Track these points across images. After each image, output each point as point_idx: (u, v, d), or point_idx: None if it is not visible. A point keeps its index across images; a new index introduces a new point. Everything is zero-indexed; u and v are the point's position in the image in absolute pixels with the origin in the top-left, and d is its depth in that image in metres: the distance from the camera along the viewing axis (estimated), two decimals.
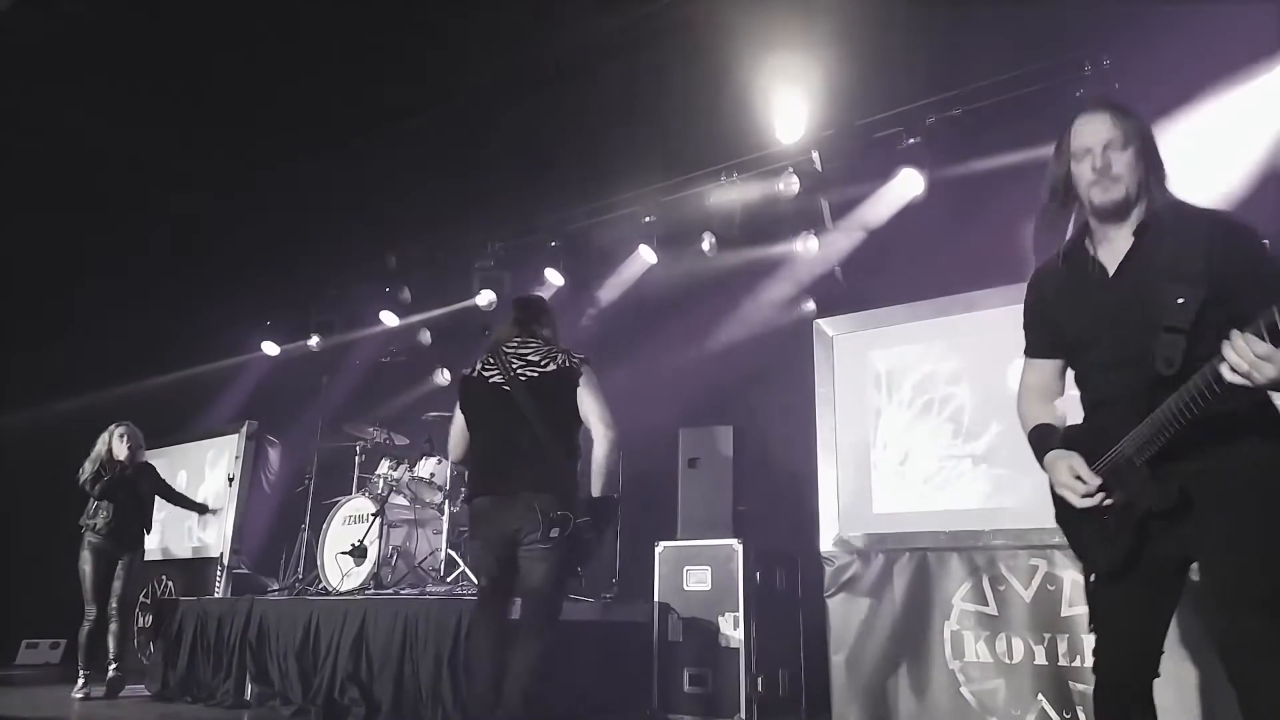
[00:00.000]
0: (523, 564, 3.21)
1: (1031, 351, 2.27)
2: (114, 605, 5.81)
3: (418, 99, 6.03)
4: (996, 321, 4.26)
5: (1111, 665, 2.03)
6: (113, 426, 6.12)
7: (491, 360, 3.36)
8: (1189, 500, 1.86)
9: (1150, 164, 2.02)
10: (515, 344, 3.43)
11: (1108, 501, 1.95)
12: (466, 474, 3.38)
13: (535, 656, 3.13)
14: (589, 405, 3.32)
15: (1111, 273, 2.03)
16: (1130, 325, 1.92)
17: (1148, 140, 2.03)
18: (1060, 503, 2.09)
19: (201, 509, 6.83)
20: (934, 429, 4.42)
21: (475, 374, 3.41)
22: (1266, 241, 2.02)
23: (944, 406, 4.42)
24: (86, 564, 5.78)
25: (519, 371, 3.32)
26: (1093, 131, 2.01)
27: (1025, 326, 2.28)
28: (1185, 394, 1.76)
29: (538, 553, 3.16)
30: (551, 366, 3.32)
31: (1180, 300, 1.85)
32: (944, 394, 4.44)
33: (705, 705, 4.59)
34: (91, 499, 5.88)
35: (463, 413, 3.42)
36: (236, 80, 6.04)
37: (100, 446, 6.05)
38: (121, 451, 5.97)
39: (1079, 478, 1.97)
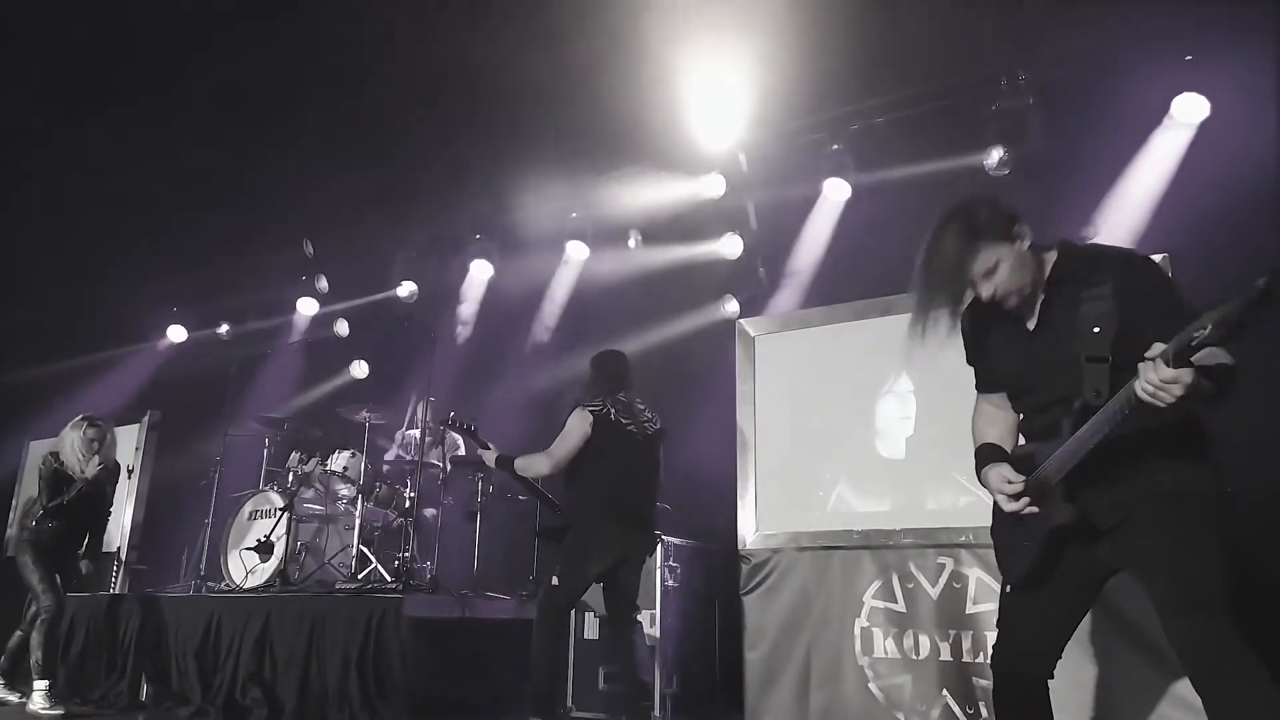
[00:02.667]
0: (624, 579, 3.95)
1: (979, 387, 2.39)
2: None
3: (338, 84, 5.85)
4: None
5: (1009, 661, 2.17)
6: (85, 427, 5.14)
7: (620, 410, 3.98)
8: (1097, 525, 2.02)
9: (1026, 258, 2.10)
10: (628, 398, 4.05)
11: (1031, 509, 2.08)
12: (578, 496, 3.97)
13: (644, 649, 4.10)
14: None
15: (1032, 327, 2.16)
16: (1059, 369, 2.05)
17: (1010, 239, 2.09)
18: (994, 515, 2.26)
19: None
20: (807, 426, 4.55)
21: (611, 417, 3.94)
22: (1167, 272, 2.15)
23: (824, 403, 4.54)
24: (30, 562, 4.97)
25: (645, 425, 4.04)
26: (975, 268, 2.11)
27: (968, 361, 2.39)
28: (1104, 414, 1.90)
29: (636, 568, 3.99)
30: (659, 425, 4.13)
31: (1096, 329, 1.97)
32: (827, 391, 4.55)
33: (620, 703, 4.58)
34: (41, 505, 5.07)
35: (590, 443, 3.92)
36: (144, 54, 5.76)
37: (67, 446, 5.11)
38: (93, 470, 5.04)
39: (1009, 481, 2.11)
